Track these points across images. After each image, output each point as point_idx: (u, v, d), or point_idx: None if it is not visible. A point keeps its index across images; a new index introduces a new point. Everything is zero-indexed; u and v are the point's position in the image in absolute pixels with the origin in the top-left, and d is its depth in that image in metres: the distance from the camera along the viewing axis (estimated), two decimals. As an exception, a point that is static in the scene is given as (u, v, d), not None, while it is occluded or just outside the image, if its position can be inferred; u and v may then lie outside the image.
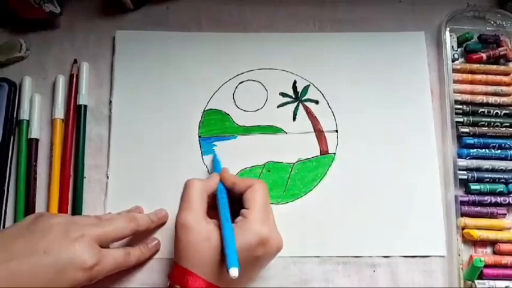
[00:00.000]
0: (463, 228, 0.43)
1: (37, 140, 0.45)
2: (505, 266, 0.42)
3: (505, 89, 0.47)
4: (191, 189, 0.37)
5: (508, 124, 0.46)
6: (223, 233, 0.34)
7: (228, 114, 0.46)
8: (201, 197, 0.37)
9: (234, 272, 0.31)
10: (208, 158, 0.45)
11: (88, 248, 0.34)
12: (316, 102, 0.47)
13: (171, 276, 0.35)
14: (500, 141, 0.45)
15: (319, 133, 0.46)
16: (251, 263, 0.35)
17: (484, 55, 0.48)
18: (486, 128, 0.46)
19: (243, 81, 0.47)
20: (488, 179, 0.44)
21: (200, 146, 0.45)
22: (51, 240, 0.34)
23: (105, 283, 0.38)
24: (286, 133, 0.46)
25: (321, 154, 0.45)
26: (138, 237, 0.41)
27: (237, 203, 0.38)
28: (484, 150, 0.45)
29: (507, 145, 0.45)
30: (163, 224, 0.42)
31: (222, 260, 0.34)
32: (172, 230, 0.41)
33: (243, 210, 0.36)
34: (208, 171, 0.44)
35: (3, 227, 0.42)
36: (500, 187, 0.44)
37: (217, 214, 0.37)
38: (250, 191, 0.37)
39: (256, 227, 0.35)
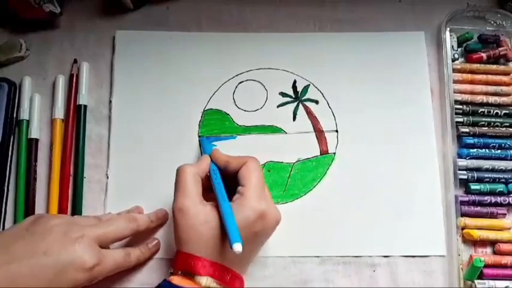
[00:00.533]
0: (463, 228, 0.43)
1: (37, 140, 0.45)
2: (505, 266, 0.42)
3: (505, 89, 0.47)
4: (184, 175, 0.37)
5: (508, 124, 0.46)
6: (222, 212, 0.35)
7: (228, 114, 0.46)
8: (195, 181, 0.37)
9: (237, 247, 0.32)
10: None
11: (88, 249, 0.34)
12: (316, 102, 0.47)
13: (174, 263, 0.36)
14: (500, 141, 0.45)
15: (319, 133, 0.46)
16: (251, 239, 0.35)
17: (484, 55, 0.48)
18: (486, 128, 0.46)
19: (242, 81, 0.47)
20: (488, 179, 0.44)
21: (200, 146, 0.45)
22: (51, 242, 0.34)
23: (105, 283, 0.38)
24: (286, 133, 0.46)
25: (320, 154, 0.45)
26: (138, 237, 0.41)
27: (231, 181, 0.38)
28: (484, 150, 0.45)
29: (507, 145, 0.45)
30: (163, 224, 0.42)
31: (224, 239, 0.35)
32: (172, 230, 0.41)
33: (239, 188, 0.37)
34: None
35: (3, 226, 0.42)
36: (500, 187, 0.44)
37: (213, 195, 0.37)
38: (245, 168, 0.37)
39: (253, 203, 0.35)
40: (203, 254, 0.34)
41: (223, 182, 0.38)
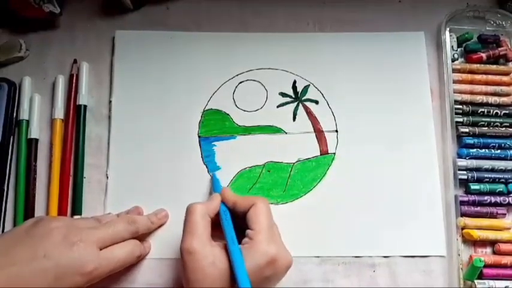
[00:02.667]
0: (462, 228, 0.43)
1: (37, 140, 0.45)
2: (505, 266, 0.42)
3: (504, 89, 0.47)
4: (194, 214, 0.36)
5: (508, 124, 0.46)
6: (231, 256, 0.34)
7: (228, 114, 0.46)
8: (204, 221, 0.36)
9: None
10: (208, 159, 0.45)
11: (87, 252, 0.34)
12: (316, 102, 0.47)
13: None
14: (500, 141, 0.46)
15: (319, 133, 0.46)
16: (261, 284, 0.34)
17: (483, 55, 0.48)
18: (486, 128, 0.46)
19: (242, 81, 0.47)
20: (488, 179, 0.44)
21: (200, 146, 0.45)
22: (50, 245, 0.34)
23: (105, 283, 0.38)
24: (286, 133, 0.46)
25: (320, 154, 0.45)
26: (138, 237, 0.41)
27: (240, 220, 0.37)
28: (483, 150, 0.45)
29: (507, 145, 0.45)
30: (163, 224, 0.42)
31: (231, 283, 0.34)
32: (174, 230, 0.42)
33: (248, 231, 0.36)
34: (208, 171, 0.44)
35: (3, 226, 0.42)
36: (500, 187, 0.44)
37: (221, 234, 0.36)
38: (253, 211, 0.37)
39: (263, 248, 0.34)
40: None
41: (233, 221, 0.37)
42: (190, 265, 0.34)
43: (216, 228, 0.37)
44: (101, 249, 0.36)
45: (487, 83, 0.47)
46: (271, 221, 0.37)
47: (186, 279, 0.35)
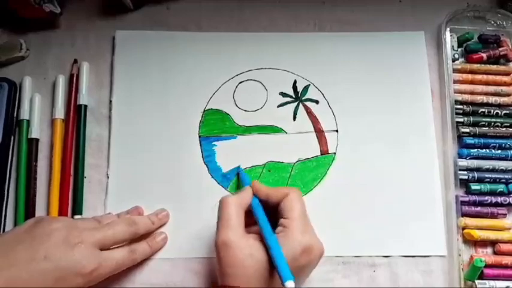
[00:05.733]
0: (463, 228, 0.43)
1: (37, 140, 0.45)
2: (506, 266, 0.42)
3: (505, 89, 0.47)
4: (227, 207, 0.36)
5: (508, 124, 0.46)
6: (269, 246, 0.34)
7: (228, 114, 0.46)
8: (238, 213, 0.36)
9: (290, 284, 0.31)
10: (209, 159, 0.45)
11: (87, 254, 0.34)
12: (317, 102, 0.47)
13: None
14: (500, 141, 0.45)
15: (320, 133, 0.46)
16: (297, 273, 0.34)
17: (484, 55, 0.48)
18: (486, 128, 0.46)
19: (243, 81, 0.47)
20: (488, 179, 0.44)
21: (200, 146, 0.45)
22: (51, 246, 0.34)
23: (105, 283, 0.38)
24: (287, 133, 0.46)
25: (321, 154, 0.45)
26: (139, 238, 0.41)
27: (272, 212, 0.37)
28: (484, 150, 0.45)
29: (507, 145, 0.45)
30: (164, 224, 0.42)
31: (269, 274, 0.34)
32: (174, 230, 0.42)
33: (282, 220, 0.36)
34: (208, 171, 0.44)
35: (4, 226, 0.42)
36: (501, 187, 0.44)
37: (254, 226, 0.36)
38: (287, 201, 0.37)
39: (298, 236, 0.34)
40: None
41: (266, 214, 0.37)
42: (226, 258, 0.34)
43: (247, 221, 0.37)
44: (101, 250, 0.36)
45: (487, 83, 0.47)
46: (305, 210, 0.37)
47: (224, 274, 0.34)
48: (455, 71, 0.47)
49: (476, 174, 0.44)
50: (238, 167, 0.44)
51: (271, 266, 0.34)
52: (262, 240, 0.35)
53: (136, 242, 0.40)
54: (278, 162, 0.45)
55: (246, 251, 0.34)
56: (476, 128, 0.46)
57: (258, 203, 0.38)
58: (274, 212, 0.37)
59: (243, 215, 0.36)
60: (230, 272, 0.34)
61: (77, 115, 0.46)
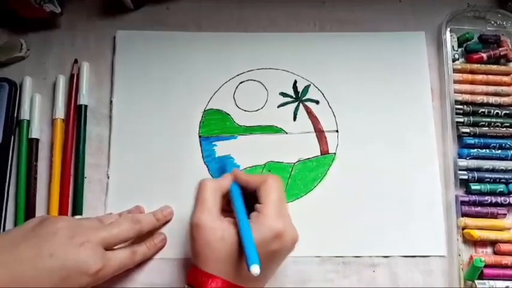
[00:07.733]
0: (463, 228, 0.43)
1: (37, 140, 0.45)
2: (505, 266, 0.42)
3: (505, 89, 0.47)
4: (204, 189, 0.36)
5: (509, 124, 0.46)
6: (240, 231, 0.34)
7: (229, 114, 0.46)
8: (215, 197, 0.36)
9: (255, 269, 0.31)
10: (210, 161, 0.45)
11: (93, 253, 0.34)
12: (317, 102, 0.47)
13: (188, 277, 0.35)
14: (500, 141, 0.45)
15: (320, 133, 0.46)
16: (268, 258, 0.34)
17: (484, 55, 0.48)
18: (486, 128, 0.46)
19: (243, 81, 0.47)
20: (488, 179, 0.44)
21: (200, 146, 0.45)
22: (56, 245, 0.34)
23: (105, 283, 0.38)
24: (287, 133, 0.46)
25: (321, 154, 0.45)
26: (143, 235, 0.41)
27: (252, 200, 0.37)
28: (484, 150, 0.45)
29: (507, 145, 0.45)
30: (168, 221, 0.42)
31: (240, 258, 0.34)
32: (174, 230, 0.42)
33: (257, 205, 0.36)
34: (208, 171, 0.44)
35: (4, 226, 0.42)
36: (501, 187, 0.44)
37: (231, 216, 0.36)
38: (264, 187, 0.37)
39: (270, 222, 0.34)
40: (216, 272, 0.33)
41: (245, 202, 0.37)
42: (198, 239, 0.34)
43: (228, 212, 0.37)
44: (106, 250, 0.36)
45: (487, 83, 0.47)
46: (282, 196, 0.37)
47: (194, 253, 0.35)
48: (455, 71, 0.47)
49: (476, 174, 0.44)
50: (226, 157, 0.44)
51: (242, 249, 0.33)
52: (237, 225, 0.35)
53: (136, 243, 0.40)
54: (278, 162, 0.45)
55: (218, 234, 0.34)
56: (476, 128, 0.46)
57: (238, 189, 0.38)
58: (254, 200, 0.37)
59: (220, 199, 0.37)
60: (201, 253, 0.34)
61: (77, 115, 0.46)
